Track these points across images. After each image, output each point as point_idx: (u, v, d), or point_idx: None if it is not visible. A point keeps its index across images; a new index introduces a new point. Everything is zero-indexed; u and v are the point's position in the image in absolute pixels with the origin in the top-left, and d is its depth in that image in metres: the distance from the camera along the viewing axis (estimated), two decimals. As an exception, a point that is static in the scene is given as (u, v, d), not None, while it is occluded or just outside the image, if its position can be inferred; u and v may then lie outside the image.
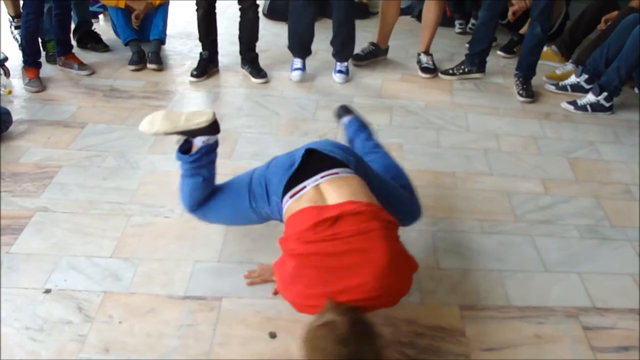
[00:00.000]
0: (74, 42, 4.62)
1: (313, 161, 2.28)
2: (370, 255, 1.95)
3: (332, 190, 2.15)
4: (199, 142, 2.38)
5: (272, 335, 2.26)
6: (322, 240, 2.00)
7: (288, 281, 2.03)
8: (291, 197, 2.21)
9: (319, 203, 2.13)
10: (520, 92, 4.42)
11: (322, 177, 2.20)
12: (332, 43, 4.63)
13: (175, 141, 2.43)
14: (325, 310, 1.87)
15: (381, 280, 1.92)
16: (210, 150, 2.42)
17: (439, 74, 4.75)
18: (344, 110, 3.15)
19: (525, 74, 4.50)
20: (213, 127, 2.37)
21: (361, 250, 1.96)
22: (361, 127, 3.02)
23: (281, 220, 2.31)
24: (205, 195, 2.53)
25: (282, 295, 2.09)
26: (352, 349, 1.74)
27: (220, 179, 3.16)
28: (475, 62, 4.70)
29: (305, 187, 2.20)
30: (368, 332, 1.85)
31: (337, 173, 2.21)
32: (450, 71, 4.73)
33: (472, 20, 5.84)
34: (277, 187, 2.27)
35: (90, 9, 5.21)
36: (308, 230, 2.05)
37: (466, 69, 4.71)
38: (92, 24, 4.98)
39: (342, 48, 4.59)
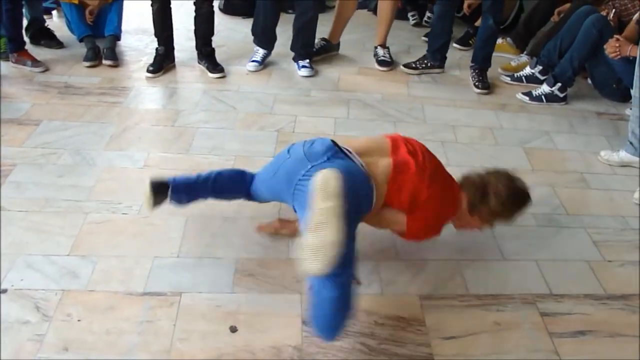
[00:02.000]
0: (26, 39, 4.55)
1: None
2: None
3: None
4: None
5: (233, 330, 2.26)
6: None
7: None
8: None
9: None
10: (477, 83, 4.47)
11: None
12: (293, 48, 4.66)
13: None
14: None
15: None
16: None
17: (401, 67, 4.77)
18: None
19: (481, 65, 4.55)
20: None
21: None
22: None
23: None
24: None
25: None
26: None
27: (176, 173, 3.15)
28: (438, 58, 4.72)
29: None
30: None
31: None
32: (413, 65, 4.73)
33: (428, 13, 5.87)
34: None
35: (44, 5, 5.14)
36: None
37: (429, 64, 4.73)
38: (45, 21, 4.90)
39: (303, 50, 4.62)
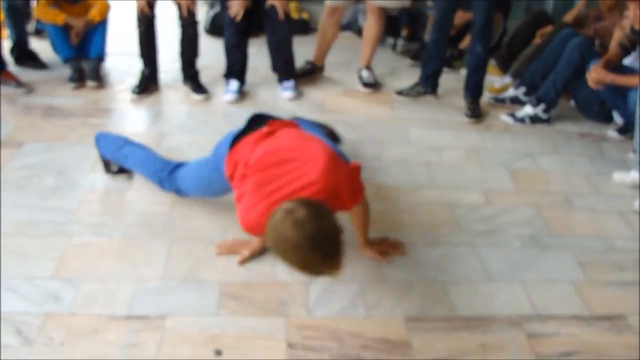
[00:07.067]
0: (11, 60, 4.53)
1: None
2: (311, 155, 2.31)
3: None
4: None
5: (218, 353, 2.24)
6: (265, 153, 2.38)
7: (249, 205, 2.31)
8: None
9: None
10: (468, 112, 4.40)
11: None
12: (274, 68, 4.61)
13: None
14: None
15: (327, 173, 2.24)
16: None
17: (393, 95, 4.72)
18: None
19: (473, 93, 4.49)
20: None
21: (302, 156, 2.32)
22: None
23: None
24: None
25: (247, 225, 2.35)
26: (313, 227, 1.96)
27: (161, 199, 3.13)
28: (430, 84, 4.70)
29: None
30: (322, 210, 2.07)
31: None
32: (405, 92, 4.70)
33: (401, 42, 5.81)
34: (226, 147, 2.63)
35: (36, 27, 5.17)
36: (251, 149, 2.45)
37: (421, 90, 4.70)
38: (28, 42, 4.87)
39: (286, 70, 4.57)
